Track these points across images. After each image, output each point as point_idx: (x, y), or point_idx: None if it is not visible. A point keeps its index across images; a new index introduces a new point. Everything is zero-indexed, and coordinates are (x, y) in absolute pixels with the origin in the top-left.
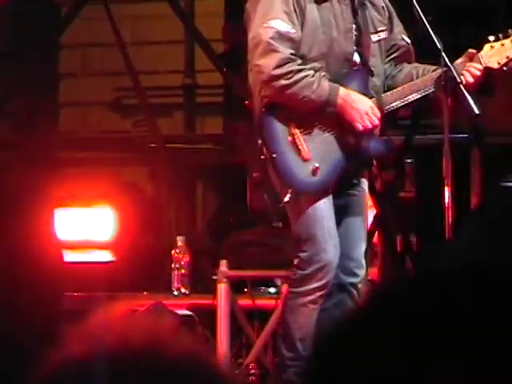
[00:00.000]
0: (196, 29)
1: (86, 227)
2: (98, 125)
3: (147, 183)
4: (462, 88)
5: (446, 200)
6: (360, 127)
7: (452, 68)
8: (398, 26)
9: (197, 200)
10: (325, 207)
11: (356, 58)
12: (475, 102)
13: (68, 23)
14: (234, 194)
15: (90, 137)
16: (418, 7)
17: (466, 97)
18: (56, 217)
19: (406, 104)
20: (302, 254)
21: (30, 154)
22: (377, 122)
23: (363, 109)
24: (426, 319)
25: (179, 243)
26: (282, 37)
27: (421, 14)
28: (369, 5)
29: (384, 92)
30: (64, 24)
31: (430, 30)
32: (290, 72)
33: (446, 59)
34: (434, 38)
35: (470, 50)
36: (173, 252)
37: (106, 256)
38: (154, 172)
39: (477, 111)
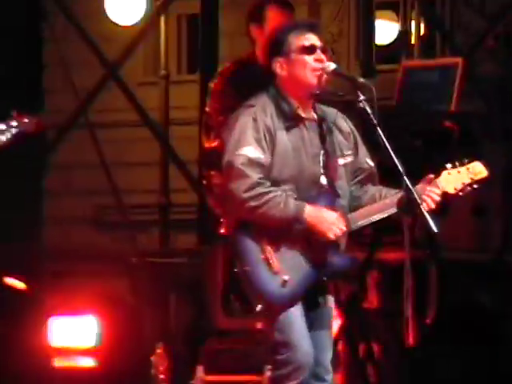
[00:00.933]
0: (173, 150)
1: (73, 335)
2: (79, 239)
3: (128, 293)
4: (423, 209)
5: (409, 312)
6: (331, 236)
7: (413, 190)
8: (363, 151)
9: (170, 310)
10: (296, 313)
11: (323, 180)
12: (434, 221)
13: (54, 146)
14: (206, 304)
15: (74, 250)
16: (381, 134)
17: (425, 217)
18: (49, 324)
19: (370, 223)
20: (278, 357)
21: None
22: (345, 228)
23: (331, 219)
24: None
25: (158, 349)
26: (252, 163)
27: (384, 140)
28: (336, 131)
29: (350, 212)
30: (51, 146)
31: (392, 154)
32: (259, 194)
33: (408, 182)
34: (397, 162)
35: (429, 176)
36: (152, 357)
37: (90, 361)
38: (134, 284)
39: (435, 230)
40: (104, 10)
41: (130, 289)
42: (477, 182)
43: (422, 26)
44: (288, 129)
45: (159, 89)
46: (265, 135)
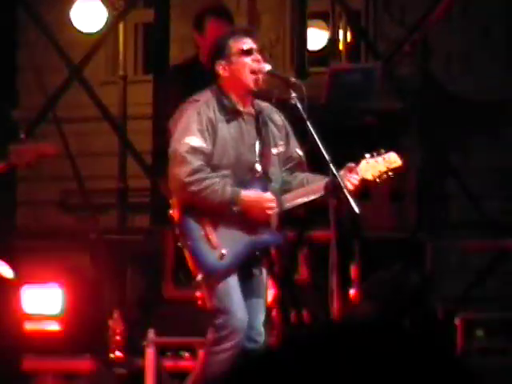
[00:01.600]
0: (130, 142)
1: (40, 302)
2: (47, 220)
3: (89, 267)
4: (346, 192)
5: (334, 283)
6: (269, 213)
7: (338, 176)
8: (294, 142)
9: (126, 281)
10: (232, 283)
11: (258, 167)
12: (356, 204)
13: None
14: (157, 276)
15: (43, 230)
16: (310, 127)
17: (348, 199)
18: (22, 292)
19: (300, 204)
20: (217, 321)
21: None
22: (276, 207)
23: (263, 202)
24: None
25: (115, 315)
26: (195, 150)
27: (313, 133)
28: (271, 124)
29: (281, 195)
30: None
31: (320, 145)
32: (199, 179)
33: (333, 169)
34: (323, 151)
35: (350, 164)
36: (109, 322)
37: (55, 326)
38: (94, 258)
39: (357, 211)
40: (70, 19)
41: (91, 263)
42: (392, 170)
43: (349, 34)
44: (228, 121)
45: (118, 88)
46: (207, 127)
